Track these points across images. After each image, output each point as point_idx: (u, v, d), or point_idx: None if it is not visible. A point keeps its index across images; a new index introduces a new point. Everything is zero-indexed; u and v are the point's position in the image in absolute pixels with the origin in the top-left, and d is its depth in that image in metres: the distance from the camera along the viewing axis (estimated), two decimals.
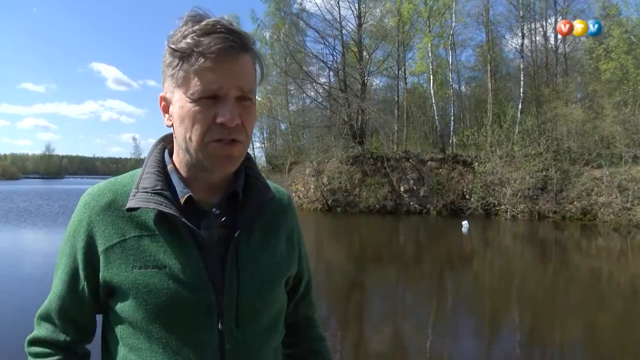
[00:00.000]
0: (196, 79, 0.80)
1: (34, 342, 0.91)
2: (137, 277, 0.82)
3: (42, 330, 0.91)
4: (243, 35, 0.83)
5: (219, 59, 0.80)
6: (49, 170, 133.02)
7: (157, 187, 0.86)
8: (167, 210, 0.83)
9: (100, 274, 0.85)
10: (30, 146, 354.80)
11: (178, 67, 0.81)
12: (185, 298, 0.82)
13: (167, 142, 0.97)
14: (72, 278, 0.87)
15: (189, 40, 0.80)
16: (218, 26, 0.80)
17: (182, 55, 0.80)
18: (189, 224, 0.84)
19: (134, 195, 0.86)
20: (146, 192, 0.85)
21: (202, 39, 0.79)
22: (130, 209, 0.85)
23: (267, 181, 0.99)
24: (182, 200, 0.87)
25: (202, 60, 0.79)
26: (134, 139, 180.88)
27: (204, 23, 0.81)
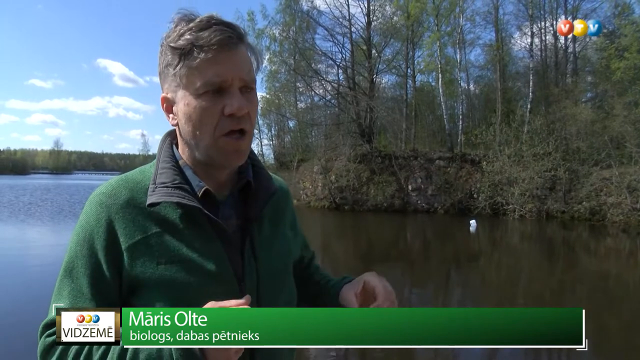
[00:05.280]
0: (199, 73, 0.81)
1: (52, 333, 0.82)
2: (163, 273, 0.83)
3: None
4: (238, 27, 0.85)
5: (220, 51, 0.81)
6: (57, 165, 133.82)
7: (176, 181, 0.87)
8: (190, 203, 0.84)
9: (124, 272, 0.84)
10: (38, 142, 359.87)
11: (179, 65, 0.83)
12: (212, 290, 0.83)
13: (172, 137, 0.96)
14: (97, 280, 0.84)
15: (187, 36, 0.82)
16: (213, 20, 0.83)
17: (182, 53, 0.82)
18: (212, 216, 0.86)
19: (154, 191, 0.86)
20: (166, 186, 0.85)
21: (200, 33, 0.81)
22: (152, 204, 0.85)
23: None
24: (199, 194, 0.88)
25: (203, 54, 0.80)
26: (143, 135, 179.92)
27: (197, 20, 0.83)
